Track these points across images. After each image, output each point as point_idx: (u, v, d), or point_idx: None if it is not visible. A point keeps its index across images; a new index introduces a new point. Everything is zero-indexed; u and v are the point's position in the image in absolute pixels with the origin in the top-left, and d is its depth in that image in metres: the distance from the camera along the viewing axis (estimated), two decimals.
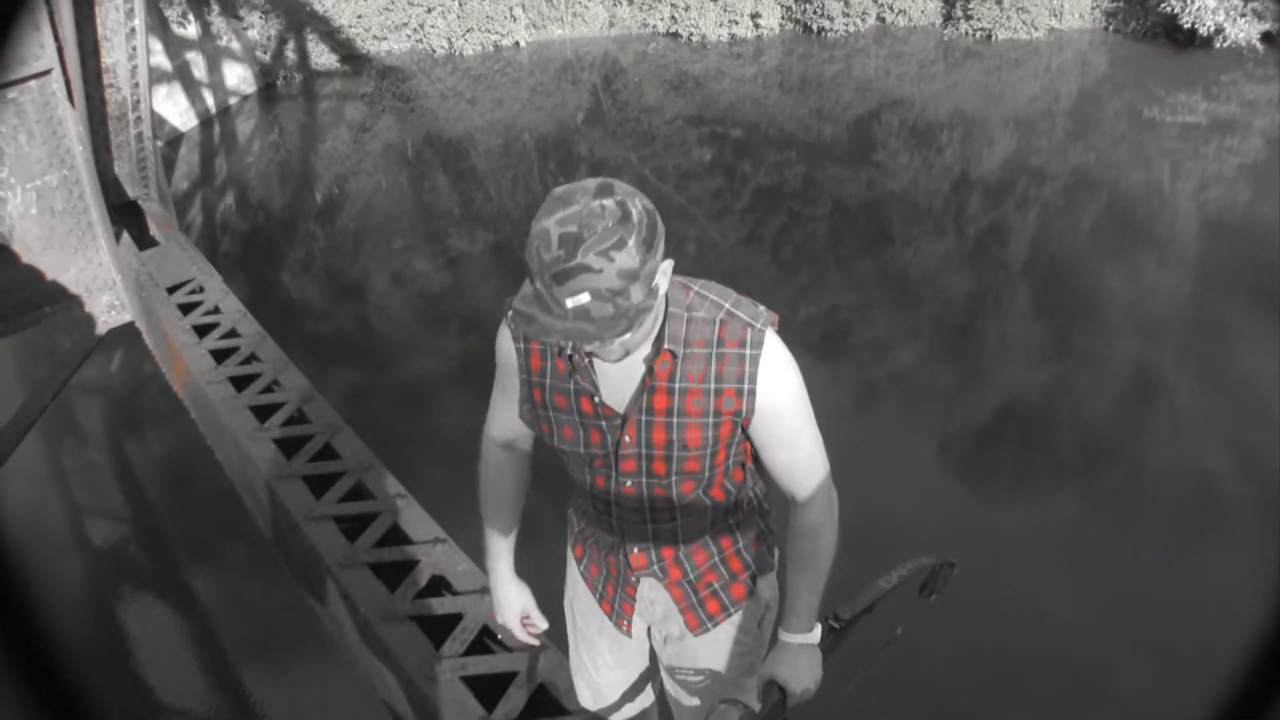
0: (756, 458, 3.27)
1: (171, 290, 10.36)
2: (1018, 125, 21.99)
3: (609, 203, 2.59)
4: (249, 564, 10.21)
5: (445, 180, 21.38)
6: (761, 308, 2.99)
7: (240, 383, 8.79)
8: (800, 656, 3.21)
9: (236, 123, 24.47)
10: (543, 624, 4.05)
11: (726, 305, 2.95)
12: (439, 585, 6.45)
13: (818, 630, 3.27)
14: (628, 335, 2.71)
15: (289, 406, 8.35)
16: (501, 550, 3.90)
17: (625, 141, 22.45)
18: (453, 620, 6.07)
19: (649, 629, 3.74)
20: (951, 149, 20.95)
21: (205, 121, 23.60)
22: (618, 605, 3.71)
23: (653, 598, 3.54)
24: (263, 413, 8.35)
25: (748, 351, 2.92)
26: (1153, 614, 9.22)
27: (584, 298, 2.58)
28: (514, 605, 3.98)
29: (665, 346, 2.94)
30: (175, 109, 22.71)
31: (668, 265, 2.80)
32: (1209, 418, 12.29)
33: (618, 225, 2.57)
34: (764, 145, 21.65)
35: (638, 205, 2.63)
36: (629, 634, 3.73)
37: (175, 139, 22.31)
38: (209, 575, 10.70)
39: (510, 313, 2.73)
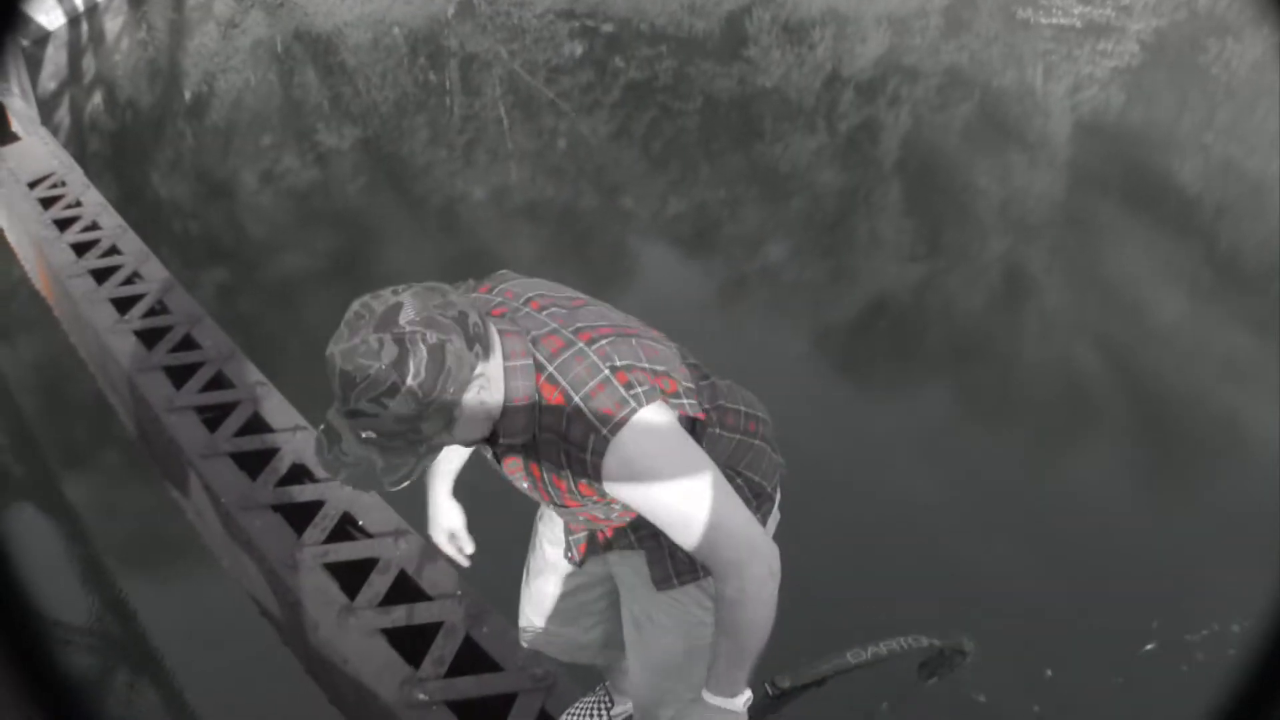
0: None
1: (32, 185, 10.22)
2: (891, 23, 21.86)
3: (387, 339, 2.48)
4: (120, 467, 10.02)
5: (314, 76, 21.08)
6: (638, 389, 2.76)
7: (101, 275, 8.70)
8: (715, 718, 3.01)
9: (105, 20, 23.84)
10: (469, 547, 3.98)
11: (576, 399, 2.73)
12: (300, 473, 6.38)
13: (742, 698, 3.04)
14: (414, 475, 2.70)
15: (149, 298, 8.27)
16: (441, 472, 3.81)
17: (496, 35, 22.16)
18: (314, 507, 6.00)
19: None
20: (824, 46, 20.83)
21: (73, 20, 22.91)
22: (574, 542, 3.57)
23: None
24: (123, 305, 8.26)
25: (588, 458, 2.75)
26: (1019, 510, 9.26)
27: (372, 434, 2.58)
28: (442, 525, 3.92)
29: (501, 440, 2.85)
30: (42, 6, 22.07)
31: (488, 375, 2.68)
32: (1078, 317, 12.35)
33: (390, 369, 2.49)
34: (635, 39, 21.44)
35: (420, 346, 2.50)
36: (575, 564, 3.66)
37: (42, 38, 21.70)
38: (80, 481, 10.48)
39: (320, 428, 2.75)
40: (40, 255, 9.36)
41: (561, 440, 2.77)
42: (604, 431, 2.69)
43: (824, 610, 8.39)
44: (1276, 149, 16.60)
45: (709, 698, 2.99)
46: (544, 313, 2.92)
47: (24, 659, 1.83)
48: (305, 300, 12.50)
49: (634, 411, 2.70)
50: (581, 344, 2.80)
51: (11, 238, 10.31)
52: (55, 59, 21.53)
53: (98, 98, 20.86)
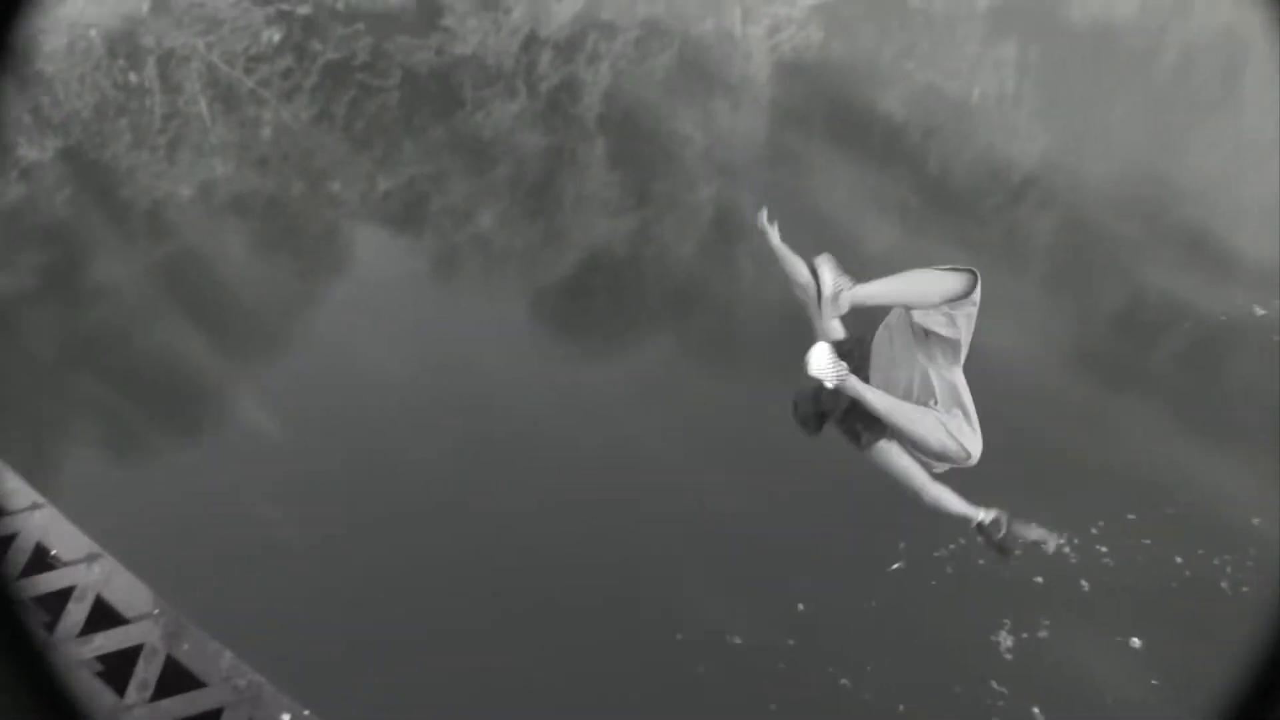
0: None
1: None
2: None
3: None
4: None
5: (8, 88, 20.48)
6: None
7: None
8: None
9: None
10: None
11: None
12: None
13: None
14: None
15: None
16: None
17: (192, 29, 21.73)
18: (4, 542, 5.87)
19: None
20: (520, 8, 20.75)
21: None
22: None
23: None
24: None
25: None
26: (750, 449, 9.37)
27: None
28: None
29: None
30: None
31: None
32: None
33: None
34: (331, 19, 21.14)
35: None
36: None
37: None
38: None
39: None
40: None
41: None
42: None
43: (574, 570, 8.51)
44: (977, 72, 17.06)
45: None
46: None
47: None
48: (18, 322, 12.18)
49: None
50: None
51: None
52: None
53: None
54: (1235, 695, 1.84)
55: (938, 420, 5.08)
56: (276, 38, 20.97)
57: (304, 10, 21.83)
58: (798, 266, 5.24)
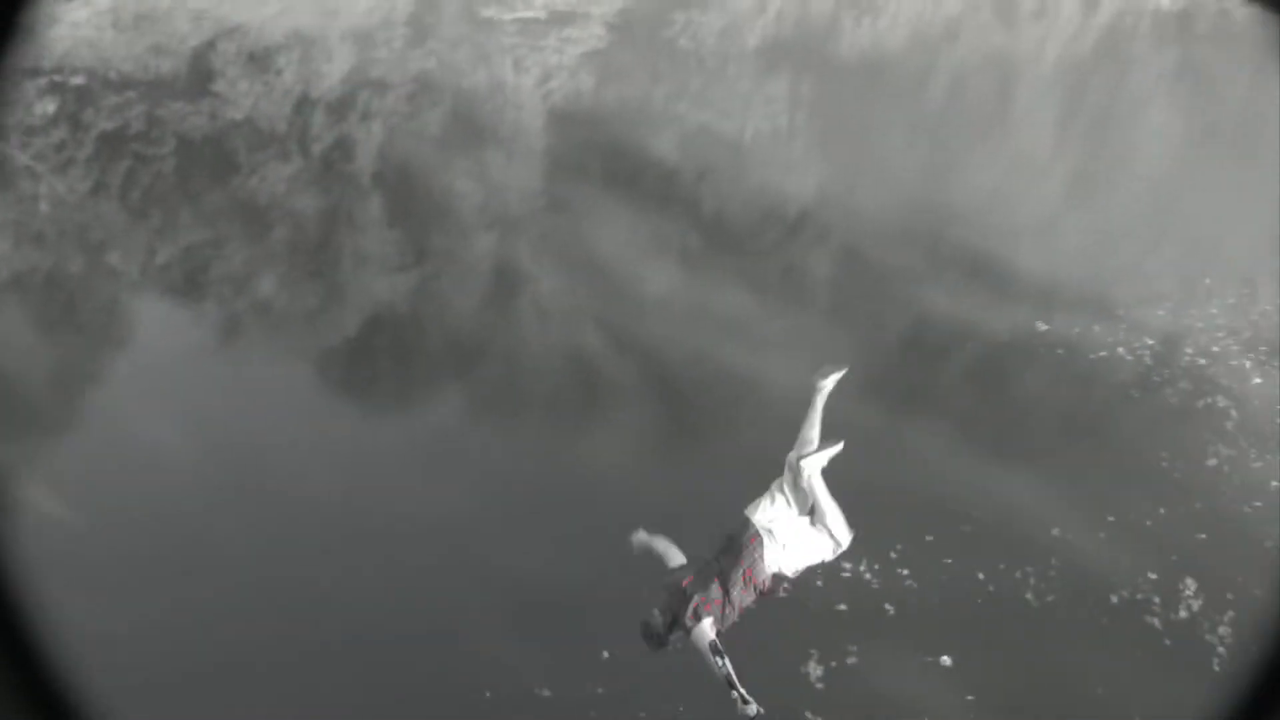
0: None
1: None
2: (355, 38, 21.85)
3: None
4: None
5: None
6: None
7: None
8: None
9: None
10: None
11: None
12: None
13: None
14: None
15: None
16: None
17: None
18: None
19: None
20: (290, 70, 20.72)
21: None
22: None
23: None
24: None
25: None
26: (543, 501, 9.56)
27: None
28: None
29: None
30: None
31: None
32: (574, 301, 12.69)
33: None
34: (104, 89, 20.84)
35: None
36: None
37: None
38: None
39: None
40: None
41: None
42: None
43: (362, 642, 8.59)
44: (749, 110, 17.45)
45: None
46: None
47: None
48: None
49: None
50: None
51: None
52: None
53: None
54: (1233, 701, 1.99)
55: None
56: (50, 109, 20.66)
57: (77, 80, 21.54)
58: (669, 549, 6.64)
